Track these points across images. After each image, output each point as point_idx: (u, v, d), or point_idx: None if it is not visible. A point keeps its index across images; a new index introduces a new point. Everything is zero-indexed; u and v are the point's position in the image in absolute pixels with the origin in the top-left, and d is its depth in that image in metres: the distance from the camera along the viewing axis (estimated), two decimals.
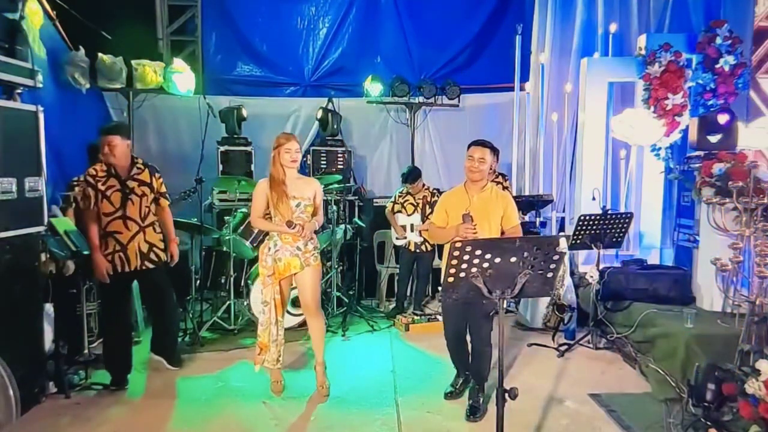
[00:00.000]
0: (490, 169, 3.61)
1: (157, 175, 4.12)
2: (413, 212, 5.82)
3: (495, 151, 3.77)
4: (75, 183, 4.76)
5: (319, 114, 7.24)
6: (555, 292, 5.05)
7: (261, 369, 3.89)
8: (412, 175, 5.82)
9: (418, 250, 5.85)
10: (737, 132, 4.99)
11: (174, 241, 4.28)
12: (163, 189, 4.17)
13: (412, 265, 5.97)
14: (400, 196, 5.95)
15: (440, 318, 5.55)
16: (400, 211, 5.89)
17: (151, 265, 4.05)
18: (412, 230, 5.82)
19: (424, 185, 5.95)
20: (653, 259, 5.54)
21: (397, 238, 5.93)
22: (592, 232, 4.70)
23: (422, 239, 5.80)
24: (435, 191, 6.00)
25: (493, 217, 3.50)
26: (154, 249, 4.07)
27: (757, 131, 5.26)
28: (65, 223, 4.30)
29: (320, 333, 3.99)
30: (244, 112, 6.84)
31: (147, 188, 4.02)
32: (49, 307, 3.89)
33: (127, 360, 4.09)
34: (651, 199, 5.84)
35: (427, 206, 5.82)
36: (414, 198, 5.87)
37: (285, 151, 3.65)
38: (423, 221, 5.71)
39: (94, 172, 3.90)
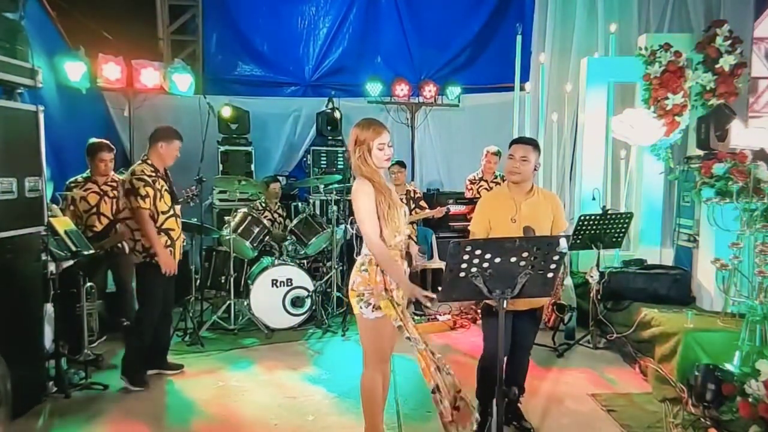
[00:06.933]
0: (535, 168, 3.17)
1: None
2: None
3: (539, 149, 3.25)
4: (73, 184, 4.76)
5: (337, 114, 7.26)
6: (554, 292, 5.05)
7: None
8: (397, 162, 6.00)
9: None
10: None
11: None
12: None
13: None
14: None
15: (440, 318, 5.59)
16: None
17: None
18: None
19: (406, 184, 6.12)
20: (653, 259, 5.53)
21: None
22: (592, 232, 4.69)
23: (408, 233, 5.82)
24: (418, 190, 6.25)
25: (543, 225, 3.10)
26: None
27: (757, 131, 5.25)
28: (65, 223, 4.30)
29: (387, 383, 3.03)
30: (224, 112, 6.78)
31: None
32: (49, 307, 3.89)
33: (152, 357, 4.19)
34: (651, 199, 5.84)
35: (411, 201, 5.92)
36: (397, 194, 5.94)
37: (378, 147, 2.75)
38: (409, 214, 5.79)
39: (148, 171, 3.91)
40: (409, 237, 5.69)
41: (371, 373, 2.86)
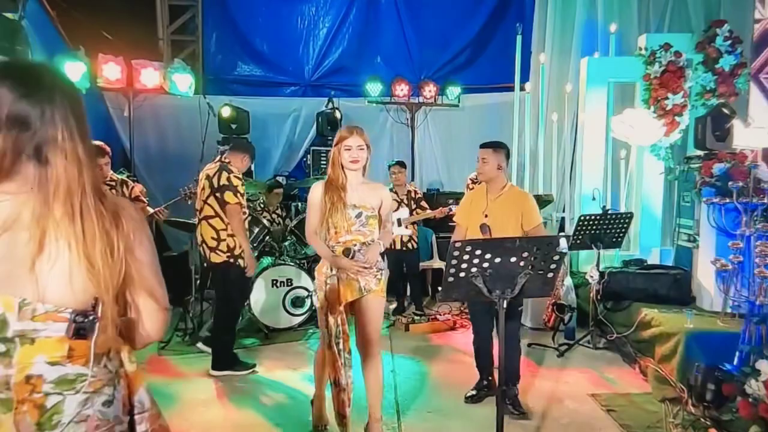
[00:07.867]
0: (498, 167, 3.51)
1: None
2: (398, 208, 5.81)
3: (502, 149, 3.58)
4: None
5: (337, 114, 7.25)
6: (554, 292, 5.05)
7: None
8: (398, 162, 5.97)
9: (404, 249, 5.83)
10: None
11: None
12: None
13: (401, 265, 5.91)
14: None
15: (440, 318, 5.60)
16: None
17: None
18: (399, 224, 5.82)
19: (406, 184, 6.06)
20: (653, 259, 5.53)
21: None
22: (592, 232, 4.70)
23: (410, 233, 5.82)
24: (419, 190, 6.20)
25: (511, 220, 3.44)
26: None
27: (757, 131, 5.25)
28: None
29: (378, 381, 3.14)
30: (224, 112, 6.78)
31: None
32: None
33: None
34: (651, 199, 5.84)
35: (412, 202, 5.90)
36: (398, 194, 5.86)
37: (344, 148, 2.97)
38: (411, 214, 5.79)
39: (239, 175, 4.06)
40: (410, 238, 5.76)
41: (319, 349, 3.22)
